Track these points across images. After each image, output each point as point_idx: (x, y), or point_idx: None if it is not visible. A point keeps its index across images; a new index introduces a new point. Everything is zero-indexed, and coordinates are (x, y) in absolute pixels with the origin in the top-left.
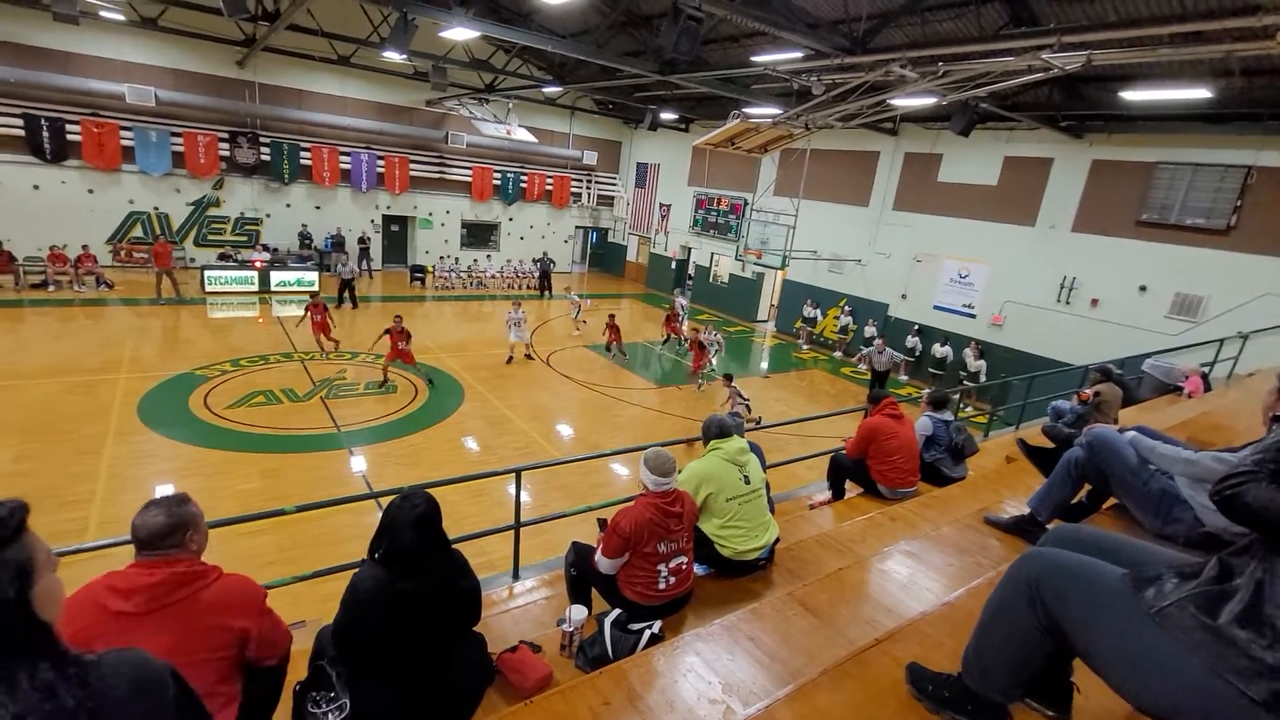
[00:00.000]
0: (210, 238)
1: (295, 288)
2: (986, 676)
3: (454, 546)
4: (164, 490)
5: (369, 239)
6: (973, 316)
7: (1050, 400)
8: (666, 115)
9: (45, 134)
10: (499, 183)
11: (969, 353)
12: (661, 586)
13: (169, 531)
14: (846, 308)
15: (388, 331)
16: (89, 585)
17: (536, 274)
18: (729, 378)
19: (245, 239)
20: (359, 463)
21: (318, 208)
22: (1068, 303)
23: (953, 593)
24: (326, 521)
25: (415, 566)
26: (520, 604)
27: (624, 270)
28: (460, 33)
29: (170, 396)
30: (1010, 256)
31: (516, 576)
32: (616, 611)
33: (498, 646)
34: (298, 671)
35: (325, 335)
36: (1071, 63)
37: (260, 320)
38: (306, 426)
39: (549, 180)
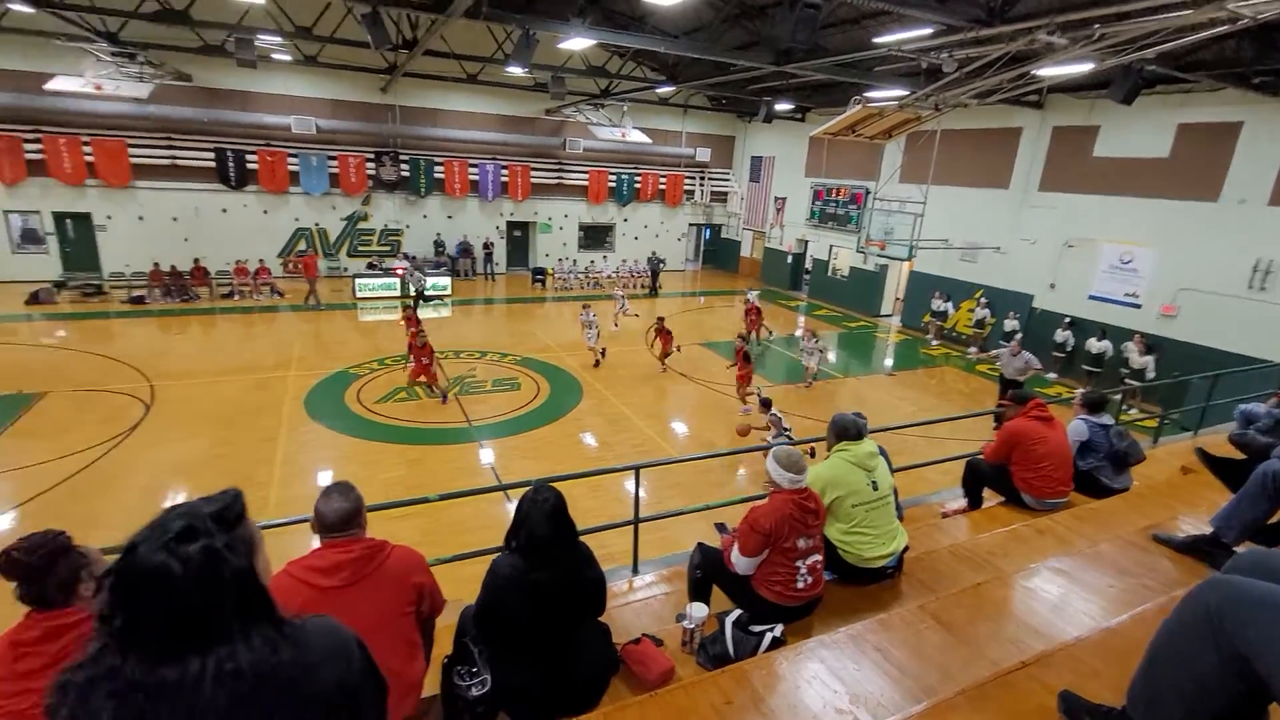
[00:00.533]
0: (360, 248)
1: (431, 291)
2: (1156, 714)
3: (580, 539)
4: (327, 476)
5: (493, 244)
6: (1137, 307)
7: (1238, 402)
8: (782, 106)
9: (230, 164)
10: (614, 185)
11: (1132, 347)
12: (800, 586)
13: (352, 516)
14: (983, 300)
15: (410, 347)
16: (286, 569)
17: (648, 273)
18: (767, 404)
19: (389, 249)
20: (488, 455)
21: (450, 217)
22: (1263, 289)
23: (1114, 618)
24: (462, 510)
25: (548, 556)
26: (640, 598)
27: (738, 266)
28: (578, 42)
29: (330, 392)
30: (1185, 238)
31: (636, 571)
32: (737, 612)
33: (620, 638)
34: (442, 646)
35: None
36: (1269, 9)
37: (401, 323)
38: (442, 420)
39: (662, 180)
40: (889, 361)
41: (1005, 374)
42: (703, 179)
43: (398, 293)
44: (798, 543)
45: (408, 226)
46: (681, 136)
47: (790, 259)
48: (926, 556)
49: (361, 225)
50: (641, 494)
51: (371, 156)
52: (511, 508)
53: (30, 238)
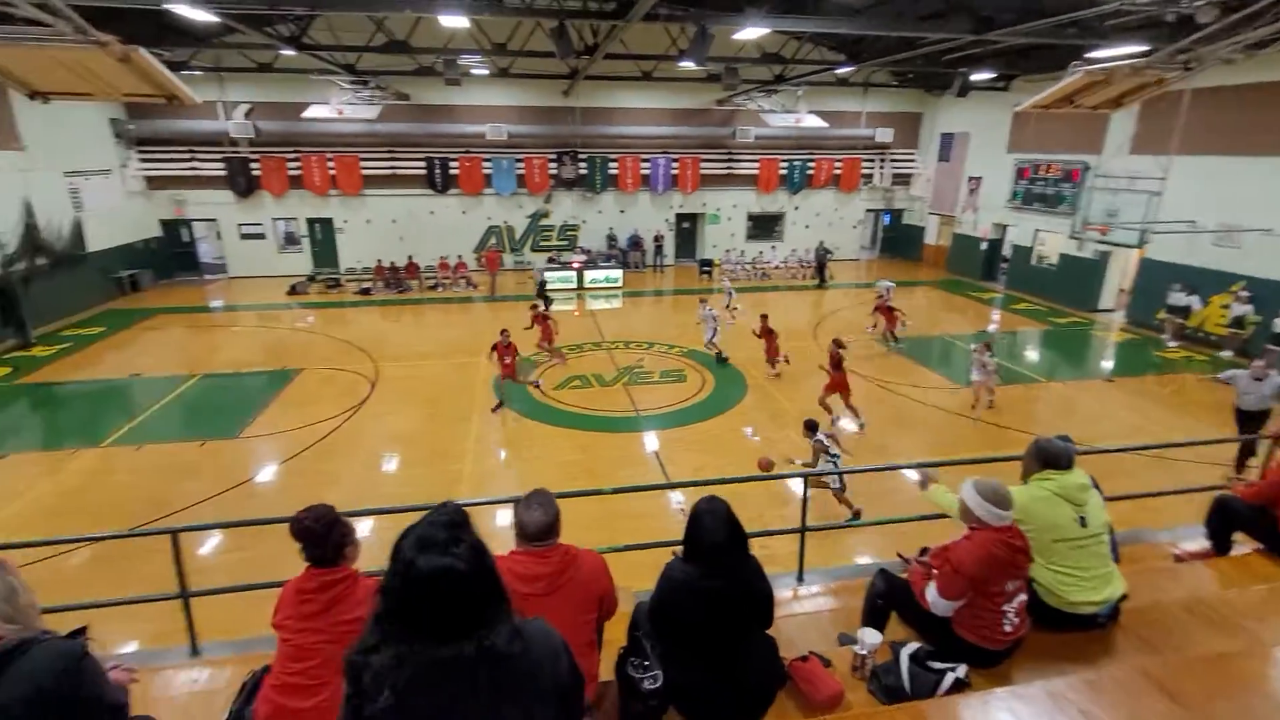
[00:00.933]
0: (542, 244)
1: (604, 284)
2: None
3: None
4: (503, 454)
5: (663, 236)
6: None
7: None
8: (980, 76)
9: (437, 171)
10: (785, 172)
11: None
12: (1007, 629)
13: (550, 528)
14: (1244, 293)
15: (494, 347)
16: None
17: (813, 263)
18: (812, 427)
19: (566, 243)
20: (654, 443)
21: (622, 211)
22: None
23: None
24: (629, 497)
25: (721, 565)
26: (805, 610)
27: (921, 254)
28: (752, 32)
29: None
30: None
31: (800, 580)
32: (916, 645)
33: (786, 651)
34: (614, 633)
35: (548, 344)
36: None
37: (576, 313)
38: (612, 409)
39: (837, 164)
40: (1108, 365)
41: (1243, 405)
42: (883, 161)
43: (574, 285)
44: (1005, 586)
45: (584, 221)
46: (861, 117)
47: (985, 246)
48: (1151, 609)
49: (543, 222)
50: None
51: (553, 157)
52: (676, 500)
53: (290, 240)
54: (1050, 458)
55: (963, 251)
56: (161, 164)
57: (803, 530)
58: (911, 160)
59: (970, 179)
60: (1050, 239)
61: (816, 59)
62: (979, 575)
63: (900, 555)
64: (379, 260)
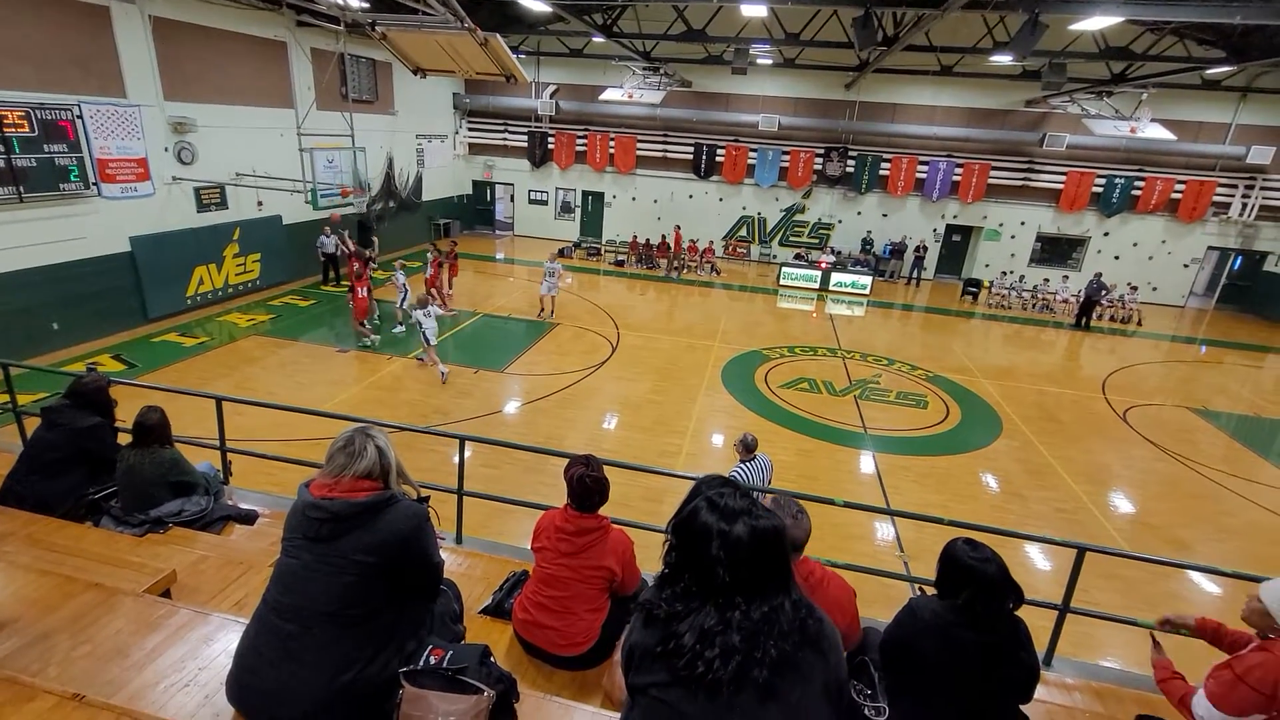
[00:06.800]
0: (791, 239)
1: (850, 289)
2: None
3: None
4: (719, 439)
5: (926, 248)
6: None
7: None
8: None
9: (703, 158)
10: (1100, 189)
11: None
12: None
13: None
14: None
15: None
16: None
17: (1079, 300)
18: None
19: (817, 242)
20: (879, 466)
21: (884, 215)
22: None
23: None
24: (846, 515)
25: (979, 618)
26: (1057, 701)
27: None
28: (1099, 22)
29: (743, 368)
30: None
31: (1049, 664)
32: None
33: None
34: None
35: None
36: None
37: (814, 315)
38: (837, 419)
39: (1178, 185)
40: None
41: None
42: (1249, 188)
43: (817, 285)
44: None
45: (839, 221)
46: (1227, 130)
47: None
48: None
49: (797, 217)
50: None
51: (821, 152)
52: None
53: (566, 209)
54: None
55: None
56: (481, 133)
57: (1064, 610)
58: None
59: None
60: None
61: (1177, 55)
62: (1271, 693)
63: (1167, 620)
64: (634, 235)
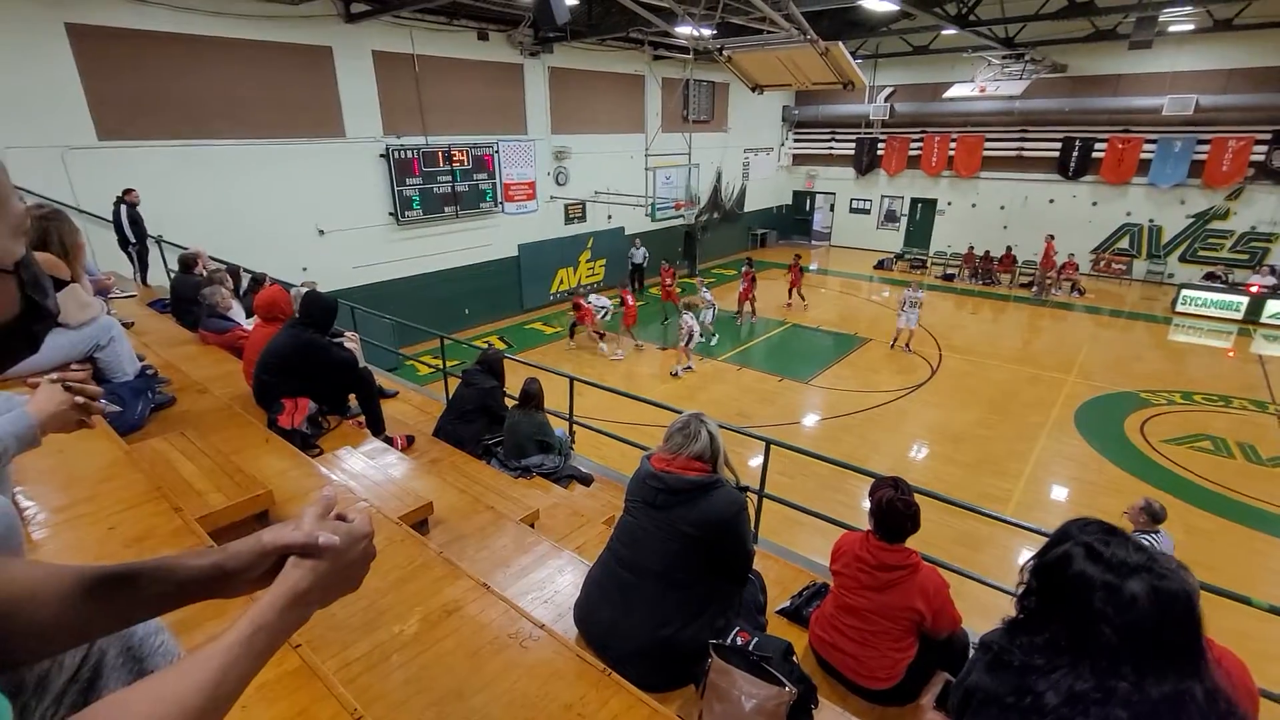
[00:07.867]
0: (1200, 253)
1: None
2: None
3: None
4: (1067, 493)
5: None
6: None
7: None
8: None
9: (1074, 154)
10: None
11: None
12: None
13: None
14: None
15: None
16: None
17: None
18: None
19: (1246, 257)
20: None
21: None
22: None
23: None
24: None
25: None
26: None
27: None
28: None
29: (1107, 410)
30: None
31: None
32: None
33: None
34: None
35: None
36: None
37: (1231, 354)
38: (1258, 496)
39: None
40: None
41: None
42: None
43: (1240, 314)
44: None
45: None
46: None
47: None
48: None
49: (1214, 225)
50: None
51: (1268, 137)
52: None
53: (890, 217)
54: None
55: None
56: (806, 143)
57: None
58: None
59: None
60: None
61: None
62: None
63: None
64: (970, 247)
